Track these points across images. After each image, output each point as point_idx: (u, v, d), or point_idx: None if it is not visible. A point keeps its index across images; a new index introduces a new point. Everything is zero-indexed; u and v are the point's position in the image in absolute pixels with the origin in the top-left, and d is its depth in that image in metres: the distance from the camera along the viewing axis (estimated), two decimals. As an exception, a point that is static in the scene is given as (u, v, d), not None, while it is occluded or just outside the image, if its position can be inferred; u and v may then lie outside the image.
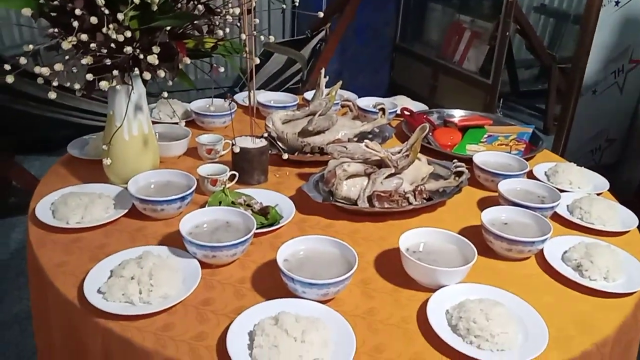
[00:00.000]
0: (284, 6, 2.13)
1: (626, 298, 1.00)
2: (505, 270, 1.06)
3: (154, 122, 1.30)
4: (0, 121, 2.76)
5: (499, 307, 0.88)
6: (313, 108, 1.46)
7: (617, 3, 2.59)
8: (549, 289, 1.02)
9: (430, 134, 1.63)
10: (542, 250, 1.08)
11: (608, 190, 1.41)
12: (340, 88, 1.54)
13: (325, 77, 1.51)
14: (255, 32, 1.15)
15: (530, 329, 0.87)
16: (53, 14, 0.99)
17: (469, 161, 1.38)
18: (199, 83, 1.88)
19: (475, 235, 1.11)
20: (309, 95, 1.79)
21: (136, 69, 1.04)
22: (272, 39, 1.22)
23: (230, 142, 1.31)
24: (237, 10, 1.09)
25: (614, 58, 2.73)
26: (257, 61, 1.18)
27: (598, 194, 1.36)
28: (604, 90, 2.78)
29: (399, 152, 1.22)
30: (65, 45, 0.92)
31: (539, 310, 0.92)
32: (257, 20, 1.19)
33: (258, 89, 2.31)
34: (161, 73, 1.02)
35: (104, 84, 1.00)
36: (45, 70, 0.91)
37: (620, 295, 1.00)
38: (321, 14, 1.28)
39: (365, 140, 1.18)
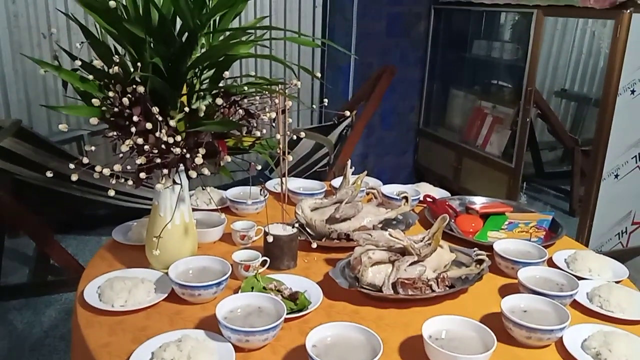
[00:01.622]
0: (314, 107, 2.29)
1: (647, 388, 1.02)
2: (525, 357, 1.10)
3: (193, 210, 1.41)
4: (40, 200, 2.93)
5: (519, 396, 0.91)
6: (340, 196, 1.56)
7: (632, 92, 2.70)
8: (570, 378, 1.05)
9: (453, 220, 1.70)
10: (561, 338, 1.12)
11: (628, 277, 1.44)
12: (366, 171, 1.65)
13: (351, 167, 1.62)
14: (288, 132, 1.27)
15: (550, 418, 0.90)
16: (112, 119, 1.13)
17: (490, 248, 1.45)
18: (232, 167, 2.02)
19: (496, 322, 1.16)
20: (335, 182, 1.89)
21: (181, 165, 1.16)
22: (302, 135, 1.34)
23: (263, 228, 1.40)
24: (273, 115, 1.22)
25: (635, 143, 2.80)
26: (291, 159, 1.29)
27: (617, 282, 1.39)
28: (626, 174, 2.83)
29: (421, 241, 1.29)
30: (124, 147, 1.05)
31: (559, 399, 0.95)
32: (290, 120, 1.32)
33: (287, 171, 2.45)
34: (205, 170, 1.14)
35: (159, 187, 1.12)
36: (106, 172, 1.04)
37: (641, 385, 1.02)
38: (348, 113, 1.40)
39: (389, 229, 1.26)
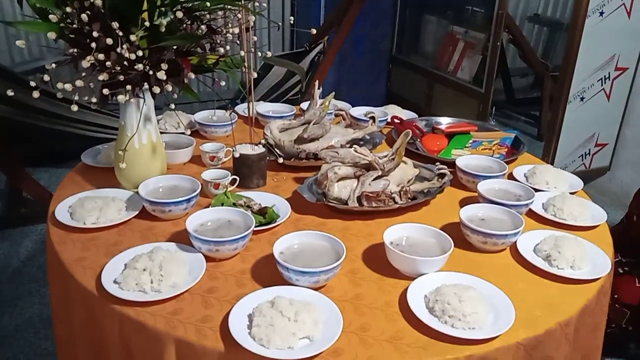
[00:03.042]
0: (279, 24, 2.26)
1: (590, 284, 1.11)
2: (481, 261, 1.17)
3: (161, 132, 1.42)
4: (10, 134, 2.89)
5: (471, 291, 0.98)
6: (308, 117, 1.57)
7: (601, 13, 2.71)
8: (521, 277, 1.12)
9: (419, 140, 1.74)
10: (515, 243, 1.19)
11: (582, 189, 1.52)
12: (338, 99, 1.66)
13: (319, 88, 1.63)
14: (253, 49, 1.27)
15: (499, 310, 0.98)
16: (72, 36, 1.11)
17: (453, 165, 1.49)
18: (202, 96, 2.00)
19: (456, 230, 1.22)
20: (305, 105, 1.90)
21: (146, 83, 1.15)
22: (269, 54, 1.34)
23: (231, 149, 1.42)
24: (237, 30, 1.21)
25: (601, 66, 2.84)
26: (255, 75, 1.30)
27: (572, 193, 1.46)
28: (591, 97, 2.89)
29: (385, 156, 1.33)
30: (85, 63, 1.04)
31: (510, 295, 1.02)
32: (255, 38, 1.31)
33: (259, 100, 2.44)
34: (169, 87, 1.14)
35: (121, 98, 1.12)
36: (68, 87, 1.03)
37: (585, 281, 1.11)
38: (314, 31, 1.40)
39: (355, 146, 1.29)
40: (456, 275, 1.07)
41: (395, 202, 1.31)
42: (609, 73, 2.87)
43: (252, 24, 1.27)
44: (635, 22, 2.77)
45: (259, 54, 1.34)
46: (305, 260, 1.04)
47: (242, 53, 1.25)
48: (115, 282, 1.02)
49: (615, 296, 1.72)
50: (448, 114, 3.60)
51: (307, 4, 3.98)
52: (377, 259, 1.14)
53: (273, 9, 4.00)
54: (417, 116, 1.97)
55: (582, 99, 2.87)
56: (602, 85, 2.88)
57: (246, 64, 1.28)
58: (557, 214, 1.34)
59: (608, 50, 2.81)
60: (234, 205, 1.25)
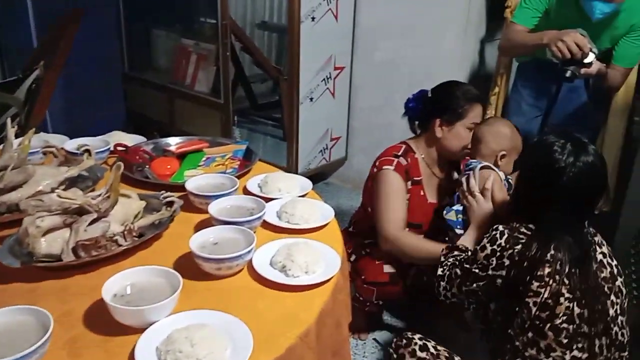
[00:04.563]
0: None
1: (324, 285, 1.13)
2: (219, 288, 1.11)
3: None
4: None
5: (204, 330, 0.91)
6: (3, 162, 1.33)
7: (313, 19, 2.92)
8: (260, 296, 1.09)
9: (148, 166, 1.62)
10: (251, 261, 1.16)
11: (311, 189, 1.58)
12: (73, 128, 1.43)
13: (13, 126, 1.39)
14: None
15: (237, 340, 0.93)
16: None
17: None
18: None
19: (192, 260, 1.14)
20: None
21: None
22: None
23: None
24: None
25: (322, 67, 3.06)
26: None
27: (303, 195, 1.51)
28: (319, 97, 3.10)
29: (99, 195, 1.18)
30: None
31: (249, 319, 0.98)
32: None
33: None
34: None
35: None
36: None
37: (319, 284, 1.13)
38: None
39: (57, 190, 1.12)
40: (190, 314, 0.99)
41: (120, 245, 1.17)
42: (330, 73, 3.11)
43: None
44: (343, 24, 3.06)
45: None
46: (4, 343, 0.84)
47: None
48: None
49: (363, 277, 1.85)
50: (192, 129, 3.56)
51: (12, 27, 3.50)
52: (103, 317, 0.99)
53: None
54: (145, 139, 1.84)
55: (311, 99, 3.06)
56: (326, 84, 3.11)
57: None
58: (290, 220, 1.36)
59: (325, 52, 3.04)
60: None
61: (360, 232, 2.02)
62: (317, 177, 3.40)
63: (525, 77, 2.30)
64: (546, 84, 2.20)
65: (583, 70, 1.82)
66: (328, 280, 1.14)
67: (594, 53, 1.81)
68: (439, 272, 1.40)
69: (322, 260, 1.19)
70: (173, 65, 3.78)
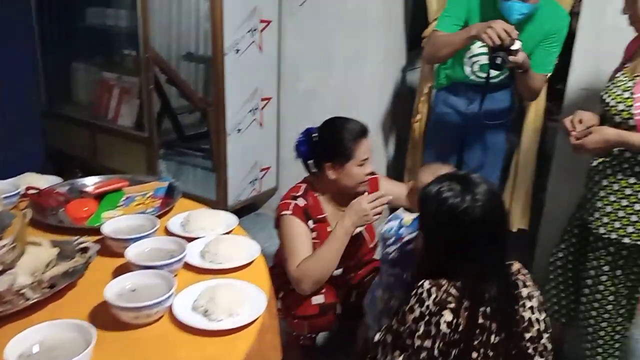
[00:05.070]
0: None
1: (249, 328, 1.11)
2: (138, 338, 1.06)
3: None
4: None
5: (118, 387, 0.86)
6: None
7: (237, 51, 2.92)
8: (181, 344, 1.05)
9: (63, 209, 1.54)
10: (171, 306, 1.12)
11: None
12: None
13: None
14: None
15: (155, 396, 0.88)
16: None
17: (102, 231, 1.35)
18: None
19: (110, 310, 1.08)
20: None
21: None
22: None
23: None
24: None
25: (249, 98, 3.06)
26: None
27: (228, 232, 1.48)
28: (247, 127, 3.09)
29: (4, 246, 1.10)
30: None
31: (169, 370, 0.94)
32: None
33: None
34: None
35: None
36: None
37: (243, 327, 1.10)
38: None
39: (-46, 245, 1.04)
40: (104, 370, 0.93)
41: (28, 299, 1.10)
42: (257, 104, 3.11)
43: None
44: (268, 55, 3.07)
45: None
46: None
47: None
48: None
49: (293, 313, 1.82)
50: (116, 164, 3.44)
51: None
52: (6, 379, 0.92)
53: None
54: (60, 180, 1.75)
55: (239, 130, 3.04)
56: (253, 115, 3.10)
57: None
58: (214, 260, 1.32)
59: (251, 83, 3.04)
60: None
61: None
62: (248, 208, 3.36)
63: (444, 103, 2.39)
64: (462, 110, 2.29)
65: (511, 58, 1.84)
66: (253, 322, 1.11)
67: (520, 41, 1.86)
68: (376, 337, 1.33)
69: (247, 301, 1.16)
70: (94, 99, 3.66)
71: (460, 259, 1.22)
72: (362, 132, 1.79)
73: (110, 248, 1.34)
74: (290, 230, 1.76)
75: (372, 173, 1.90)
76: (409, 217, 1.71)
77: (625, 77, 1.62)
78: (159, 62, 3.39)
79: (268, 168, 3.31)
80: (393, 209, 1.92)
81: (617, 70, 1.71)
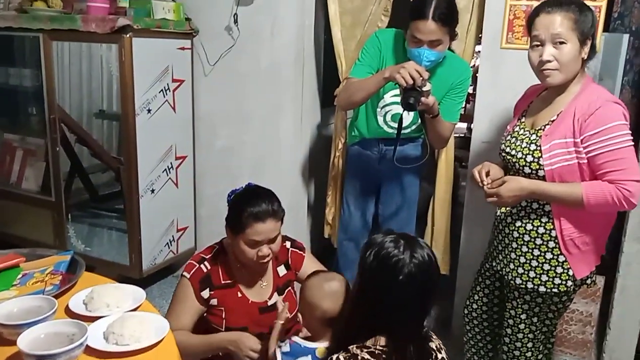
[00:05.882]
0: None
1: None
2: None
3: None
4: None
5: None
6: None
7: (149, 110, 2.86)
8: None
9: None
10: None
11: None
12: None
13: None
14: None
15: None
16: None
17: (-9, 317, 1.23)
18: None
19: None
20: None
21: None
22: None
23: None
24: None
25: (162, 157, 2.98)
26: None
27: (136, 308, 1.39)
28: (161, 187, 3.00)
29: None
30: None
31: None
32: None
33: None
34: None
35: None
36: None
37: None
38: None
39: None
40: None
41: None
42: (172, 162, 3.03)
43: None
44: (181, 114, 3.03)
45: None
46: None
47: None
48: None
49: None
50: (20, 231, 3.22)
51: None
52: None
53: None
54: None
55: (152, 191, 2.94)
56: (168, 174, 3.02)
57: None
58: (119, 341, 1.24)
59: (165, 142, 2.97)
60: None
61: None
62: (166, 270, 3.23)
63: (357, 157, 2.46)
64: (373, 165, 2.37)
65: (423, 99, 1.90)
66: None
67: (430, 84, 1.93)
68: None
69: (154, 385, 1.09)
70: (-5, 162, 3.45)
71: (388, 317, 1.23)
72: (260, 215, 1.64)
73: (1, 336, 1.22)
74: (179, 294, 1.72)
75: (300, 249, 1.88)
76: (321, 347, 1.49)
77: (527, 131, 1.71)
78: (67, 122, 3.27)
79: (185, 228, 3.21)
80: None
81: (514, 125, 1.81)
